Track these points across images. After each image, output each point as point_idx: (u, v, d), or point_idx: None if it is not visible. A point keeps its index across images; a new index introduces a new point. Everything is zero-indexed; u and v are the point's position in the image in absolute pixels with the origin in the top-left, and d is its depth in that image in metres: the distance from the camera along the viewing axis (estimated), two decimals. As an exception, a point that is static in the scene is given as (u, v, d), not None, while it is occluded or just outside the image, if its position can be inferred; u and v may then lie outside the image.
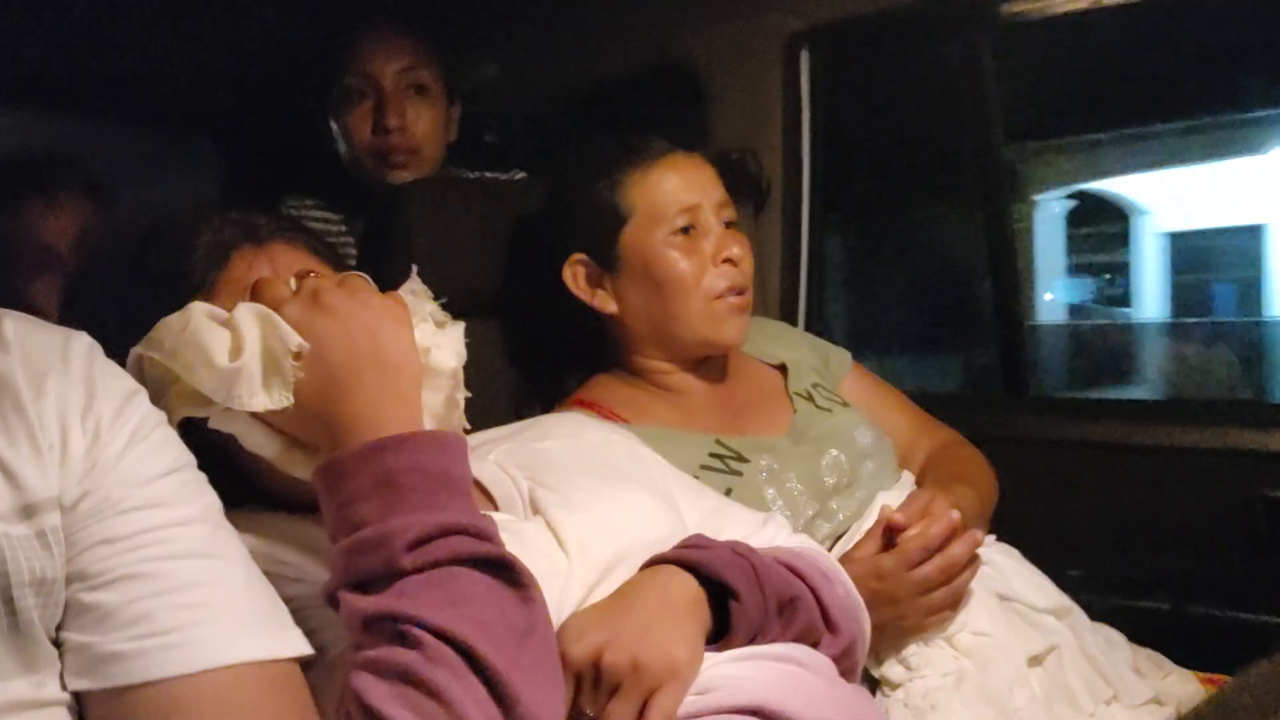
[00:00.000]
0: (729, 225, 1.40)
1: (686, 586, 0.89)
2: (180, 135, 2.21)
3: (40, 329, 0.73)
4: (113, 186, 1.72)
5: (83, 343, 0.74)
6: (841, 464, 1.35)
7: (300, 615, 0.75)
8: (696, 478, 1.23)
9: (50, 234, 1.61)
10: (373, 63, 1.71)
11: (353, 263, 1.57)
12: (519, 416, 1.45)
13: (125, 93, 1.94)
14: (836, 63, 1.90)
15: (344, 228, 1.81)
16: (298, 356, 0.79)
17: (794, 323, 1.92)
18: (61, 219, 1.61)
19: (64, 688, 0.66)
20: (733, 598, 0.89)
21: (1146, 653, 1.39)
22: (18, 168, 1.67)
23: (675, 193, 1.37)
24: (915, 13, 1.80)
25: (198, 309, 0.83)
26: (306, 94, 1.78)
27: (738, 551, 0.93)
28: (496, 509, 0.97)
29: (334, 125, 1.75)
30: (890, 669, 1.20)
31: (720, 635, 0.91)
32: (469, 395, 0.90)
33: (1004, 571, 1.32)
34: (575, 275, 1.41)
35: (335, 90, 1.73)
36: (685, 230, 1.36)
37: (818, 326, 1.93)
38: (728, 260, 1.36)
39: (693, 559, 0.91)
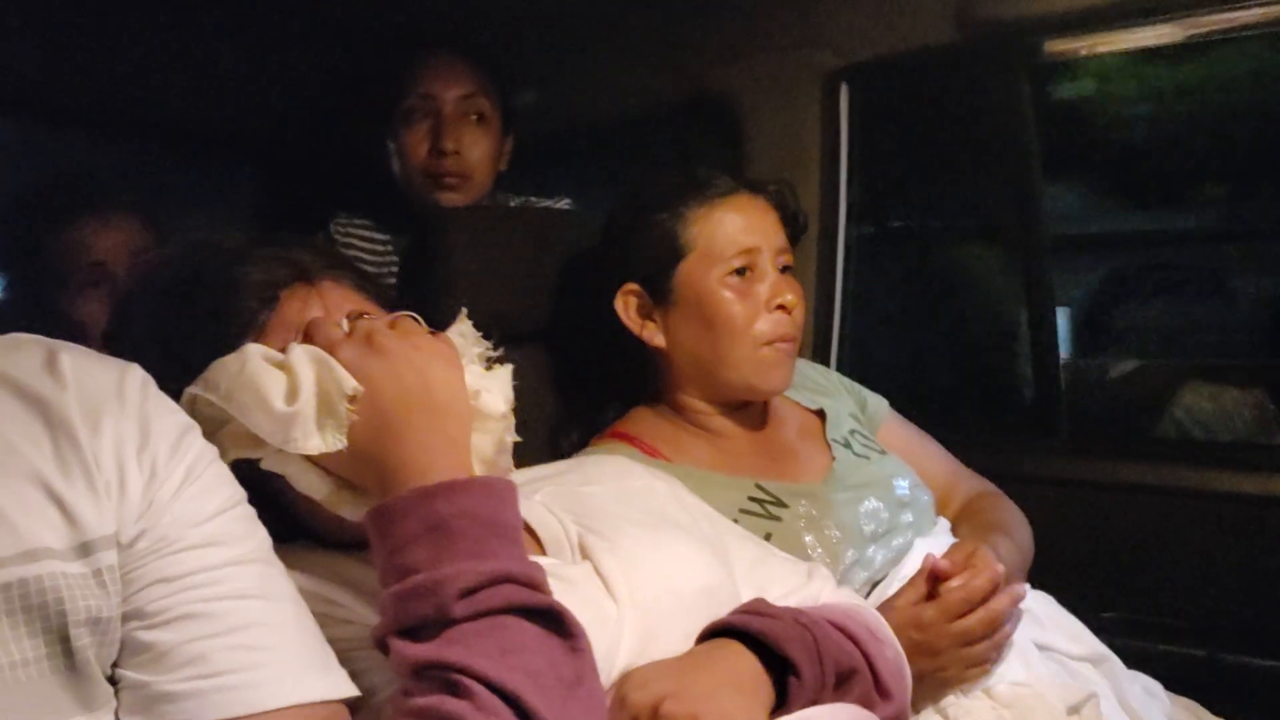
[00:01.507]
0: (785, 270, 1.39)
1: (751, 665, 0.89)
2: (225, 156, 2.22)
3: (95, 363, 0.74)
4: (159, 207, 1.74)
5: (137, 377, 0.74)
6: (880, 512, 1.34)
7: (347, 656, 0.76)
8: (736, 521, 1.22)
9: (102, 251, 1.63)
10: (435, 86, 1.76)
11: (392, 280, 1.59)
12: (555, 445, 1.46)
13: (171, 114, 1.96)
14: (875, 99, 1.90)
15: (390, 247, 1.82)
16: (352, 400, 0.79)
17: (828, 358, 1.92)
18: (113, 237, 1.64)
19: None
20: (793, 674, 0.89)
21: (1184, 702, 1.38)
22: (71, 186, 1.69)
23: (736, 233, 1.36)
24: (956, 51, 1.79)
25: (253, 351, 0.83)
26: (363, 113, 1.82)
27: (800, 623, 0.93)
28: (544, 553, 0.97)
29: (391, 144, 1.79)
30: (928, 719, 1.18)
31: (778, 707, 0.90)
32: (518, 440, 0.89)
33: (1041, 620, 1.30)
34: (627, 305, 1.40)
35: (396, 110, 1.77)
36: (741, 272, 1.35)
37: (852, 362, 1.92)
38: (781, 307, 1.35)
39: (758, 629, 0.90)
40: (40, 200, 1.69)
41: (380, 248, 1.85)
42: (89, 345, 0.84)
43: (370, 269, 1.75)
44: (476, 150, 1.77)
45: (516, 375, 0.92)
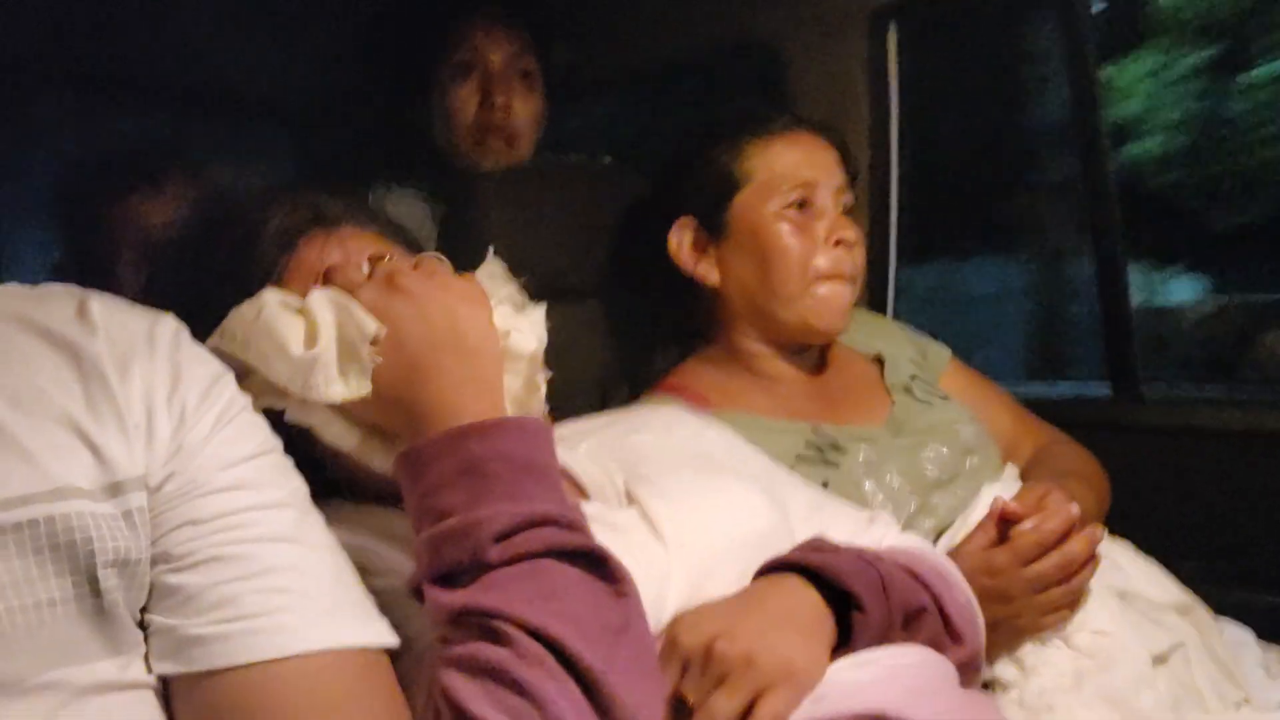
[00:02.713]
0: (846, 212, 1.34)
1: (811, 601, 0.84)
2: (269, 124, 2.22)
3: (126, 311, 0.72)
4: (211, 176, 1.73)
5: (169, 325, 0.73)
6: (944, 457, 1.28)
7: (388, 608, 0.72)
8: (791, 468, 1.17)
9: (158, 222, 1.60)
10: (484, 43, 1.73)
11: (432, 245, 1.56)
12: (605, 400, 1.43)
13: (216, 84, 1.96)
14: (926, 37, 1.82)
15: (430, 216, 1.79)
16: (375, 342, 0.76)
17: (883, 309, 1.85)
18: (170, 208, 1.62)
19: (149, 670, 0.65)
20: (857, 608, 0.84)
21: (1278, 650, 1.30)
22: (125, 156, 1.69)
23: (795, 166, 1.32)
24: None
25: (270, 297, 0.80)
26: (407, 72, 1.78)
27: (864, 558, 0.88)
28: (587, 498, 0.93)
29: (436, 103, 1.75)
30: (1003, 669, 1.12)
31: (841, 645, 0.85)
32: (549, 376, 0.86)
33: (1121, 567, 1.24)
34: (681, 240, 1.36)
35: (442, 68, 1.73)
36: (800, 206, 1.31)
37: (909, 311, 1.85)
38: (840, 243, 1.30)
39: (817, 563, 0.85)
40: (94, 170, 1.69)
41: (419, 214, 1.82)
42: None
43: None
44: (525, 110, 1.74)
45: (563, 332, 0.88)
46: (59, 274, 1.72)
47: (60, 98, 1.91)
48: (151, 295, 0.91)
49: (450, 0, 1.77)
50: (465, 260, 1.39)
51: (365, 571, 0.74)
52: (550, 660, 0.65)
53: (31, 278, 1.62)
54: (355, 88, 2.00)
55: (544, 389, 0.85)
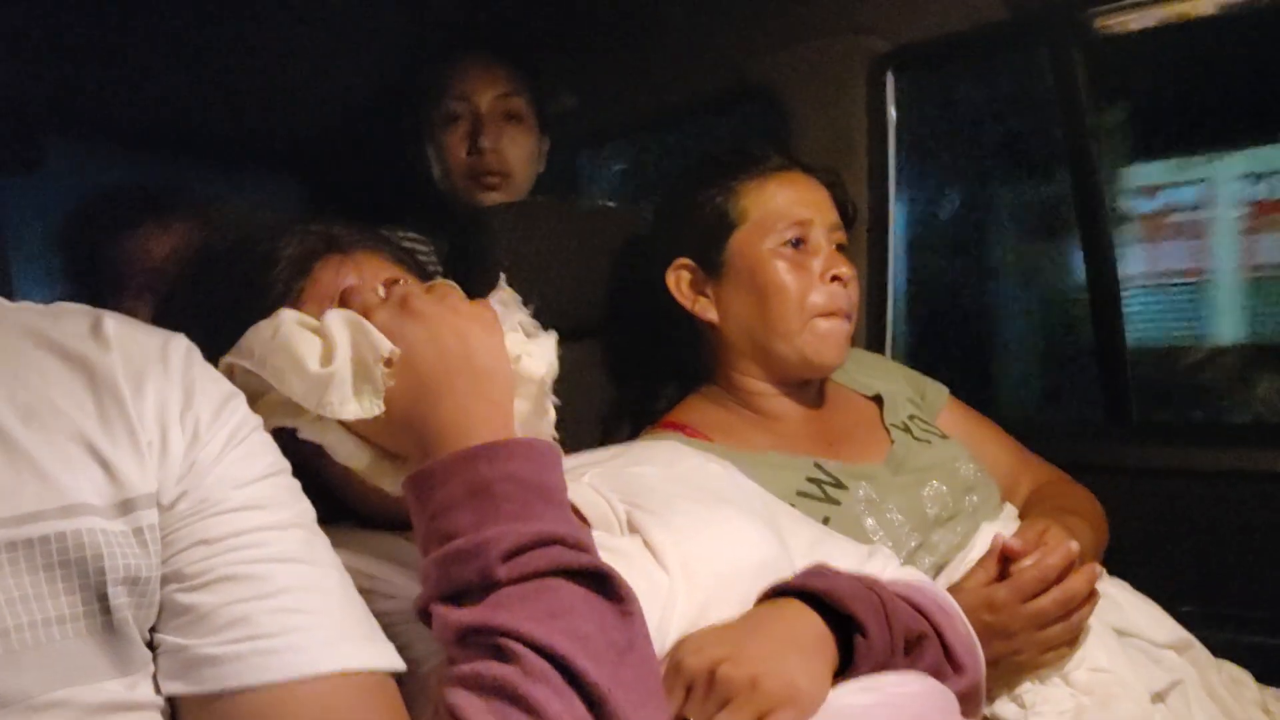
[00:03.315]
0: (839, 249, 1.37)
1: (814, 624, 0.84)
2: (268, 168, 2.25)
3: (140, 330, 0.73)
4: (218, 215, 1.75)
5: (181, 344, 0.73)
6: (944, 495, 1.29)
7: (393, 631, 0.73)
8: (792, 505, 1.18)
9: (159, 258, 1.63)
10: (471, 87, 1.79)
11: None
12: (607, 436, 1.43)
13: (216, 128, 1.99)
14: (923, 83, 1.86)
15: (434, 256, 1.82)
16: (389, 363, 0.77)
17: (883, 348, 1.87)
18: (170, 243, 1.64)
19: (157, 691, 0.64)
20: (859, 633, 0.84)
21: (1274, 691, 1.31)
22: (129, 195, 1.72)
23: (789, 205, 1.35)
24: (1003, 29, 1.75)
25: (287, 315, 0.81)
26: (401, 119, 1.84)
27: (866, 584, 0.88)
28: (591, 529, 0.93)
29: (430, 148, 1.81)
30: (1003, 707, 1.13)
31: (843, 669, 0.85)
32: (558, 403, 0.87)
33: (1120, 604, 1.24)
34: (679, 280, 1.38)
35: (435, 113, 1.80)
36: (795, 244, 1.33)
37: (907, 351, 1.87)
38: (835, 279, 1.32)
39: (820, 588, 0.86)
40: (99, 208, 1.72)
41: (424, 257, 1.85)
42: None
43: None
44: (514, 149, 1.79)
45: (565, 371, 0.89)
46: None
47: (68, 141, 1.94)
48: (167, 320, 0.93)
49: (440, 48, 1.82)
50: (471, 295, 1.42)
51: (369, 594, 0.75)
52: (556, 677, 0.65)
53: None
54: (364, 133, 2.04)
55: (553, 413, 0.86)
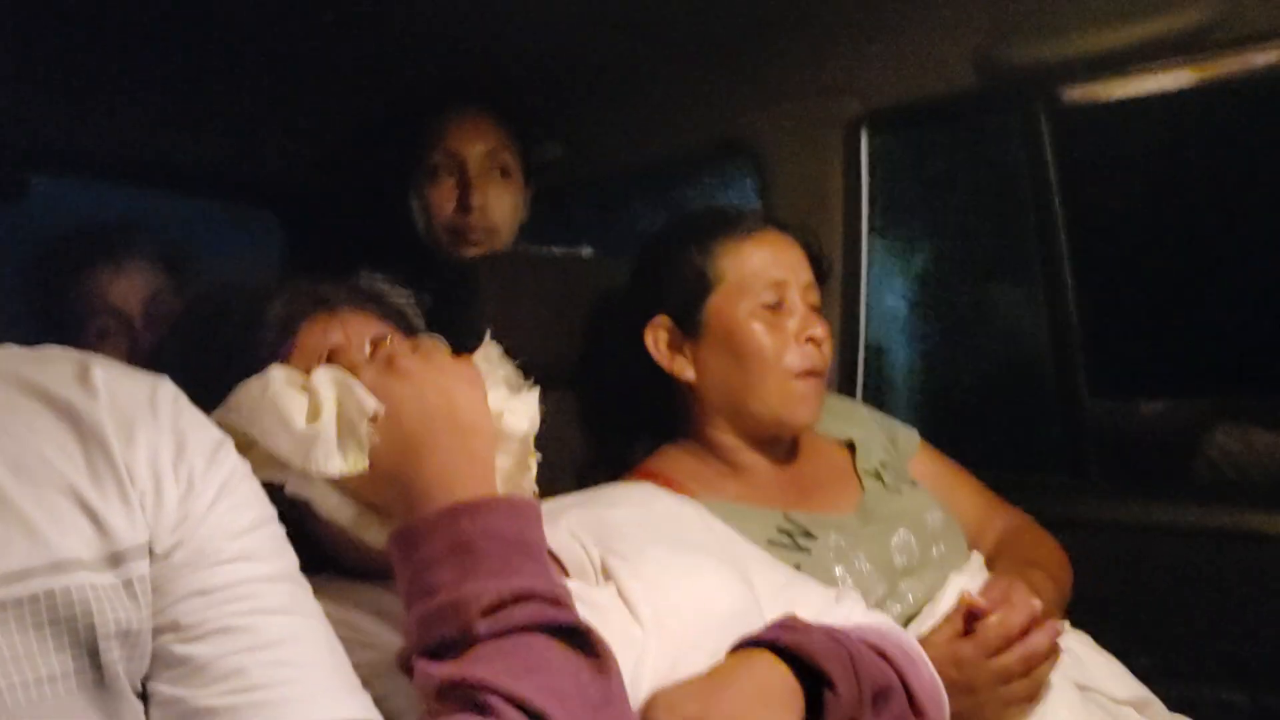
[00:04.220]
0: (813, 309, 1.40)
1: (783, 678, 0.87)
2: (247, 209, 2.26)
3: (127, 376, 0.73)
4: (180, 258, 1.75)
5: (169, 390, 0.74)
6: (911, 545, 1.32)
7: (369, 682, 0.74)
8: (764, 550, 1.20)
9: (117, 298, 1.63)
10: (459, 142, 1.74)
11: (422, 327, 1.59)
12: (582, 487, 1.45)
13: (193, 167, 2.00)
14: (897, 144, 1.91)
15: (413, 300, 1.82)
16: (373, 420, 0.79)
17: (853, 393, 1.91)
18: (129, 284, 1.63)
19: None
20: (828, 687, 0.87)
21: (1230, 749, 1.33)
22: (87, 235, 1.70)
23: (766, 267, 1.37)
24: (975, 97, 1.81)
25: (277, 373, 0.83)
26: (384, 168, 1.81)
27: (835, 637, 0.91)
28: (568, 576, 0.95)
29: (414, 200, 1.78)
30: (966, 760, 1.15)
31: None
32: (540, 459, 0.89)
33: (1082, 660, 1.27)
34: (656, 338, 1.40)
35: (420, 166, 1.76)
36: (771, 306, 1.36)
37: (877, 404, 1.91)
38: (810, 340, 1.36)
39: (789, 642, 0.88)
40: (58, 249, 1.70)
41: (401, 301, 1.85)
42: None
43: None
44: (501, 206, 1.76)
45: (544, 420, 0.91)
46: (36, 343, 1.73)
47: (49, 176, 1.94)
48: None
49: (426, 97, 1.80)
50: (455, 346, 1.43)
51: (349, 644, 0.76)
52: None
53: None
54: (345, 176, 2.05)
55: (534, 469, 0.89)
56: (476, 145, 1.75)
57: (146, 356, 1.00)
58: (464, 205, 1.73)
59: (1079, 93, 1.87)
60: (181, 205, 2.17)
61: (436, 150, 1.75)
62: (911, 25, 1.75)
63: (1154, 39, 1.62)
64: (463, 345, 1.42)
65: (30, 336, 1.67)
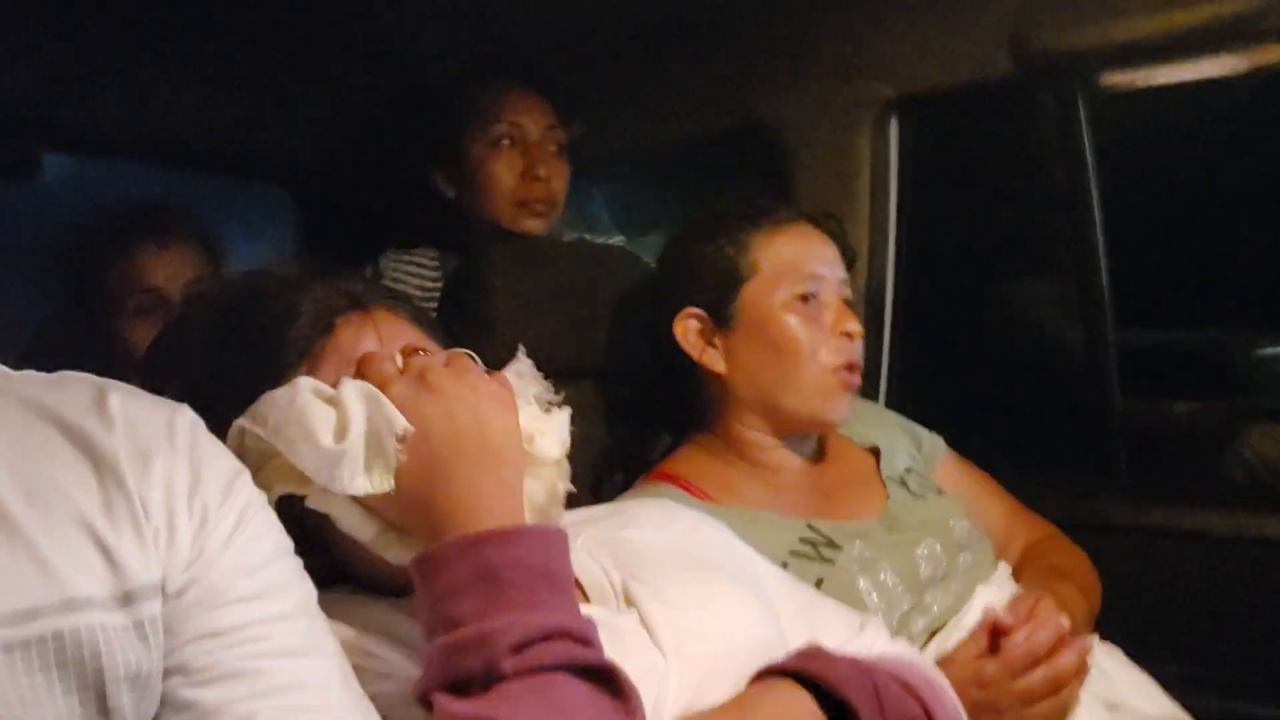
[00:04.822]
0: (847, 304, 1.37)
1: (807, 709, 0.84)
2: (278, 187, 2.23)
3: (144, 403, 0.71)
4: (219, 240, 1.75)
5: (187, 417, 0.72)
6: (938, 555, 1.29)
7: (386, 714, 0.72)
8: (785, 564, 1.18)
9: (160, 278, 1.63)
10: (522, 115, 1.76)
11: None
12: (598, 482, 1.42)
13: (225, 146, 1.98)
14: (927, 131, 1.86)
15: (440, 284, 1.80)
16: (402, 440, 0.76)
17: (876, 395, 1.87)
18: (170, 264, 1.63)
19: None
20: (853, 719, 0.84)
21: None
22: (129, 214, 1.70)
23: (801, 258, 1.35)
24: (1010, 82, 1.75)
25: (304, 385, 0.81)
26: (414, 144, 1.80)
27: (860, 667, 0.88)
28: (587, 600, 0.93)
29: (464, 171, 1.77)
30: (990, 782, 1.12)
31: None
32: (572, 489, 0.86)
33: (1111, 677, 1.24)
34: (687, 329, 1.37)
35: (479, 137, 1.76)
36: (805, 298, 1.33)
37: (900, 400, 1.87)
38: (846, 334, 1.32)
39: (814, 672, 0.85)
40: (98, 227, 1.70)
41: (430, 283, 1.83)
42: (140, 371, 0.82)
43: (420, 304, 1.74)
44: (559, 180, 1.78)
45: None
46: (66, 322, 1.72)
47: (66, 154, 1.92)
48: (176, 369, 0.91)
49: (480, 71, 1.80)
50: (472, 331, 1.41)
51: (365, 674, 0.74)
52: None
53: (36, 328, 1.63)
54: (362, 152, 2.02)
55: (563, 498, 0.86)
56: (539, 120, 1.78)
57: (166, 342, 0.97)
58: (531, 175, 1.74)
59: (1118, 78, 1.83)
60: (196, 182, 2.14)
61: (500, 122, 1.76)
62: (945, 7, 1.71)
63: (1197, 26, 1.57)
64: (479, 332, 1.41)
65: (65, 315, 1.68)
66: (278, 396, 0.80)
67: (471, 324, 1.44)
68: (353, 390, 0.79)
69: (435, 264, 1.81)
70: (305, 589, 0.71)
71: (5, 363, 0.73)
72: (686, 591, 0.92)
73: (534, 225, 1.76)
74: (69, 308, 1.70)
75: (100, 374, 0.73)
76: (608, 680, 0.70)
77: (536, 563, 0.72)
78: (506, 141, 1.76)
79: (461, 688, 0.68)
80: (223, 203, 2.21)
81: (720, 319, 1.36)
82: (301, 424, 0.78)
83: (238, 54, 1.82)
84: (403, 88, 1.89)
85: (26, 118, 1.77)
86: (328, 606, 0.74)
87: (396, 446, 0.76)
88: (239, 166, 2.17)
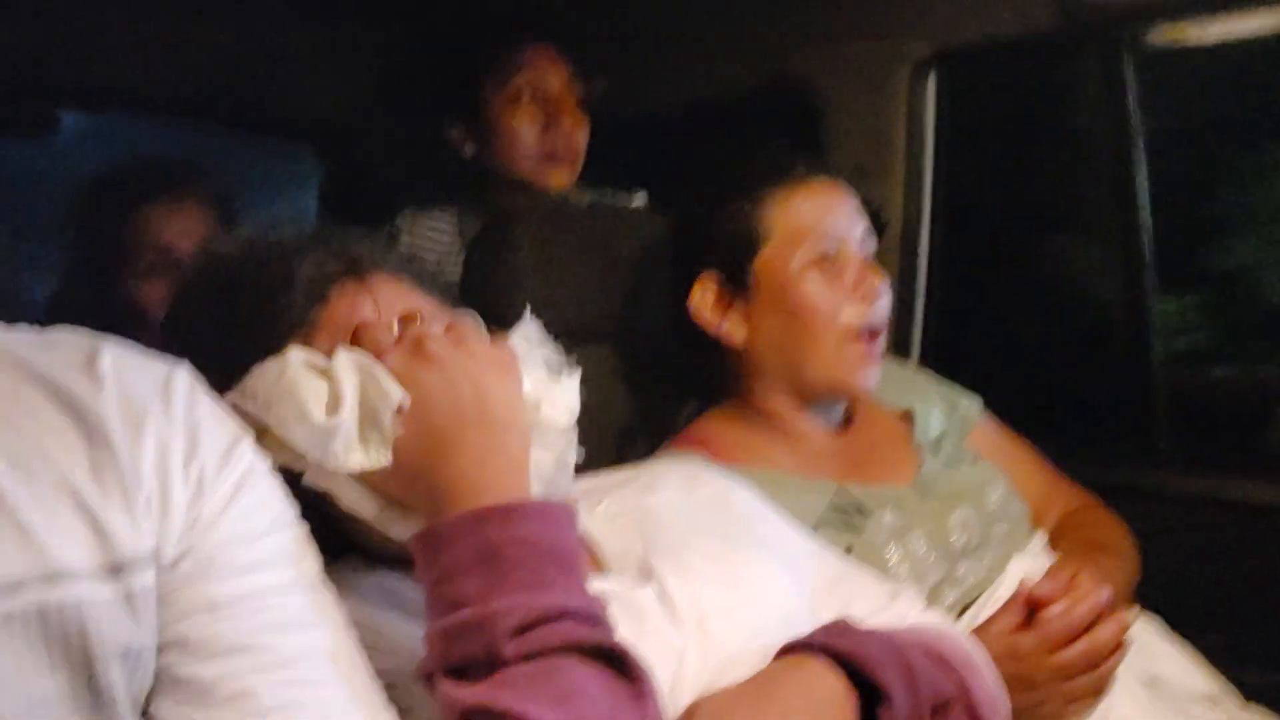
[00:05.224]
0: (869, 261, 1.31)
1: (834, 689, 0.80)
2: (296, 145, 2.21)
3: (140, 362, 0.68)
4: (234, 200, 1.72)
5: (184, 379, 0.68)
6: (971, 524, 1.25)
7: (395, 693, 0.70)
8: (815, 531, 1.14)
9: (171, 235, 1.61)
10: (541, 70, 1.74)
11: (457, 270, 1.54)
12: (621, 452, 1.39)
13: (236, 99, 1.95)
14: (965, 89, 1.80)
15: (459, 242, 1.77)
16: (399, 412, 0.73)
17: (909, 358, 1.82)
18: (181, 222, 1.62)
19: None
20: (885, 699, 0.80)
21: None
22: (141, 171, 1.69)
23: (817, 217, 1.29)
24: (1053, 38, 1.69)
25: (295, 357, 0.78)
26: (451, 96, 1.78)
27: (891, 644, 0.84)
28: (605, 568, 0.90)
29: (483, 125, 1.75)
30: (1025, 758, 1.09)
31: None
32: (581, 456, 0.83)
33: (1150, 651, 1.20)
34: (704, 297, 1.32)
35: (499, 91, 1.74)
36: (825, 259, 1.28)
37: (935, 362, 1.82)
38: (868, 293, 1.27)
39: (845, 650, 0.81)
40: (110, 184, 1.69)
41: (448, 240, 1.81)
42: (150, 330, 0.79)
43: (436, 264, 1.72)
44: (580, 133, 1.76)
45: (583, 379, 0.85)
46: (76, 280, 1.71)
47: (82, 110, 1.91)
48: (176, 334, 0.89)
49: (498, 25, 1.77)
50: (492, 295, 1.38)
51: (372, 652, 0.71)
52: None
53: (47, 287, 1.62)
54: (382, 108, 1.99)
55: (572, 468, 0.83)
56: (560, 74, 1.75)
57: (175, 311, 0.96)
58: (553, 128, 1.73)
59: (1168, 35, 1.76)
60: (216, 139, 2.12)
61: (519, 76, 1.74)
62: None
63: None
64: (499, 296, 1.39)
65: (76, 272, 1.67)
66: (267, 370, 0.78)
67: (494, 288, 1.41)
68: (346, 361, 0.76)
69: (454, 224, 1.78)
70: (310, 561, 0.69)
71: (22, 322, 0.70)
72: (711, 563, 0.89)
73: (556, 178, 1.74)
74: (82, 267, 1.69)
75: (111, 333, 0.70)
76: (617, 662, 0.67)
77: (542, 539, 0.69)
78: (526, 95, 1.73)
79: (463, 672, 0.66)
80: (249, 161, 2.19)
81: (737, 285, 1.30)
82: (292, 398, 0.75)
83: (260, 8, 1.79)
84: (429, 41, 1.85)
85: (43, 75, 1.74)
86: (336, 580, 0.72)
87: (393, 419, 0.73)
88: (263, 123, 2.15)
